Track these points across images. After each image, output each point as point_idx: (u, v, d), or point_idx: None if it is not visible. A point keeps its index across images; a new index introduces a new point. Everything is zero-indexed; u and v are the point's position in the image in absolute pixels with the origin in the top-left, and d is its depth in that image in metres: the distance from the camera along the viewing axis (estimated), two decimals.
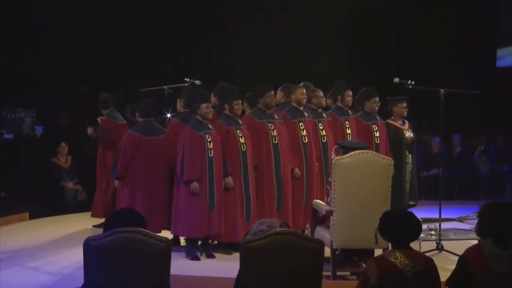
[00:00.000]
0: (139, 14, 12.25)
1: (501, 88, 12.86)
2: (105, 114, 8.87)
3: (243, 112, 7.82)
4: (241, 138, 7.43)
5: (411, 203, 8.30)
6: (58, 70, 12.01)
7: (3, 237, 8.20)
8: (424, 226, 6.67)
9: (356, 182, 6.13)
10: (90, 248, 3.78)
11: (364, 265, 5.40)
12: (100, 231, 3.96)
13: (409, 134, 8.33)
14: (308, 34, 12.56)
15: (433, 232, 7.12)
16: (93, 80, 12.18)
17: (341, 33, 12.67)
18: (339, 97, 8.31)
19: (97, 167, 8.81)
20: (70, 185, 10.62)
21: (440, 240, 7.07)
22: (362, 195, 6.12)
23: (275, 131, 7.65)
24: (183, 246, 7.43)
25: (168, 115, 8.60)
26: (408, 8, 12.85)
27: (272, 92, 7.79)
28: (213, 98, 7.71)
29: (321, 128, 8.06)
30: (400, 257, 3.97)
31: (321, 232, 6.34)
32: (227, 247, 7.36)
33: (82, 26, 11.88)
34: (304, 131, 7.88)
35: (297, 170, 7.79)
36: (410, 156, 8.33)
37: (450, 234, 7.32)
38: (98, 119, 8.87)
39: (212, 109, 7.39)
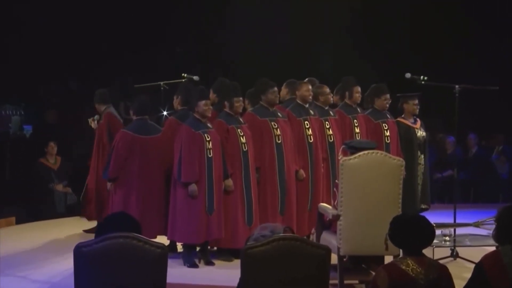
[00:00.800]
0: (136, 11, 12.25)
1: None
2: (103, 110, 8.82)
3: (244, 109, 7.83)
4: (242, 138, 7.43)
5: (423, 206, 8.30)
6: (48, 66, 12.01)
7: None
8: (438, 232, 6.65)
9: (365, 184, 6.13)
10: (81, 254, 3.79)
11: (373, 273, 5.40)
12: (91, 236, 3.97)
13: (421, 133, 8.33)
14: (313, 29, 12.54)
15: (447, 238, 7.13)
16: (85, 77, 12.20)
17: (349, 26, 12.65)
18: (347, 93, 8.30)
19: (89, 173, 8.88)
20: (59, 187, 10.61)
21: (455, 246, 7.08)
22: (371, 198, 6.12)
23: (278, 130, 7.65)
24: (180, 253, 7.44)
25: (165, 113, 8.59)
26: None
27: (276, 89, 7.80)
28: (212, 95, 7.72)
29: (327, 126, 8.07)
30: (412, 265, 3.97)
31: (327, 238, 6.34)
32: (227, 254, 7.37)
33: (76, 21, 11.88)
34: (310, 130, 7.88)
35: (302, 171, 7.79)
36: (422, 156, 8.32)
37: (465, 240, 7.33)
38: (92, 119, 8.88)
39: (211, 107, 7.39)
